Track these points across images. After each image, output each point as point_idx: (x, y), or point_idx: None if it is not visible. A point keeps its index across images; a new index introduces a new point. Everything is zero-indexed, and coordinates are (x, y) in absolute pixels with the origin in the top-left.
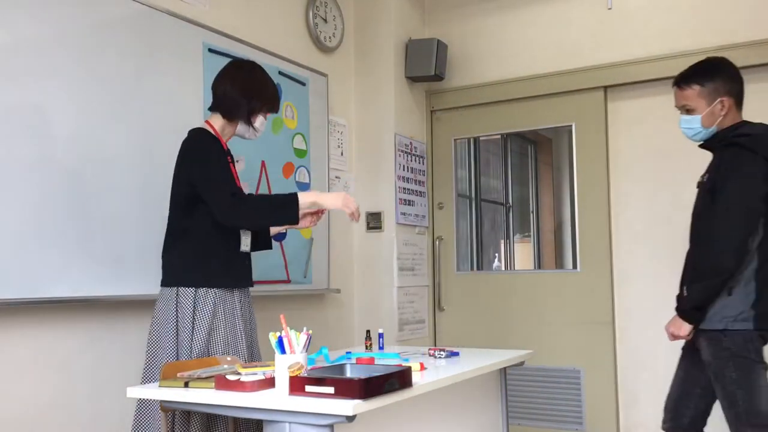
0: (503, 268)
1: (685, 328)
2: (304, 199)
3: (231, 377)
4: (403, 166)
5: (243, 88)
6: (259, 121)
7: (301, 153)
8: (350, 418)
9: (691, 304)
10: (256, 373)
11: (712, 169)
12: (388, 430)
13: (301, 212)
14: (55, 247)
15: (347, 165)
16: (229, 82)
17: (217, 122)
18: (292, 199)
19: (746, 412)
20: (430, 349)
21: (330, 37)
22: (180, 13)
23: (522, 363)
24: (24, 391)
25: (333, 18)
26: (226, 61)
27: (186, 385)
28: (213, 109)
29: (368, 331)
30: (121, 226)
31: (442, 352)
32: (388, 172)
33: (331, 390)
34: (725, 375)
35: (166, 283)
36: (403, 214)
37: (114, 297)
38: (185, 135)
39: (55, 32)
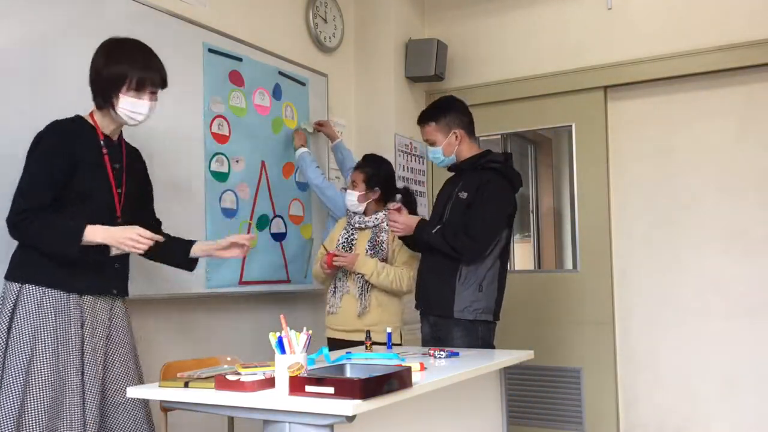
0: None
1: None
2: (90, 234)
3: (231, 377)
4: (403, 166)
5: (92, 69)
6: (127, 101)
7: None
8: (350, 418)
9: (427, 238)
10: (256, 373)
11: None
12: (388, 430)
13: (85, 243)
14: None
15: None
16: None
17: (96, 112)
18: (76, 230)
19: None
20: (430, 349)
21: (330, 37)
22: (180, 13)
23: (522, 363)
24: None
25: (333, 18)
26: (226, 61)
27: (186, 385)
28: None
29: (368, 332)
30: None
31: (442, 352)
32: None
33: (331, 390)
34: None
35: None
36: None
37: None
38: (184, 135)
39: (54, 32)
